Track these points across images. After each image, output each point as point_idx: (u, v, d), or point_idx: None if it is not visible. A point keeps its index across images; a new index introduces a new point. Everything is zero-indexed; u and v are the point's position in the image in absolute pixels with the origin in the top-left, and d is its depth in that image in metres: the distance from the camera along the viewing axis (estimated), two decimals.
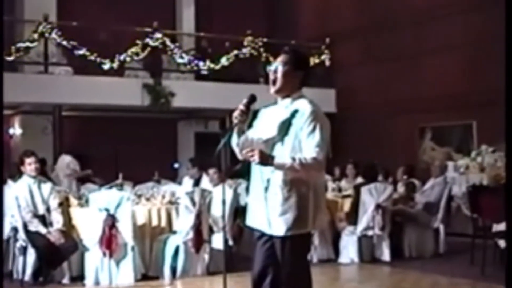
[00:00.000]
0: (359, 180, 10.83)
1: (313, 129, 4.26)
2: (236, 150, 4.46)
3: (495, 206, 8.26)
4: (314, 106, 4.36)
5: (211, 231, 8.72)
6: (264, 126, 4.49)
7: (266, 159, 4.21)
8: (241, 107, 4.37)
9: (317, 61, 16.90)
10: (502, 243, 8.65)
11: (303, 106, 4.35)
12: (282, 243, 4.33)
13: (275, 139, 4.37)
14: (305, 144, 4.27)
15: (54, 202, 8.13)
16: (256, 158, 4.19)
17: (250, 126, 4.52)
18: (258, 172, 4.45)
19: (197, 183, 10.10)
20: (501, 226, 8.49)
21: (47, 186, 8.23)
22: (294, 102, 4.42)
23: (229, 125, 4.43)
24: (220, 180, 9.25)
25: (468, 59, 13.98)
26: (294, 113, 4.35)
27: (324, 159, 4.27)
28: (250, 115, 4.41)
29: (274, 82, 4.44)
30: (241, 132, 4.42)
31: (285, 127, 4.36)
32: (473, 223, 9.12)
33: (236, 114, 4.36)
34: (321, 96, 16.31)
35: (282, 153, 4.31)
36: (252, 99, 4.39)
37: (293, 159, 4.21)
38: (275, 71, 4.43)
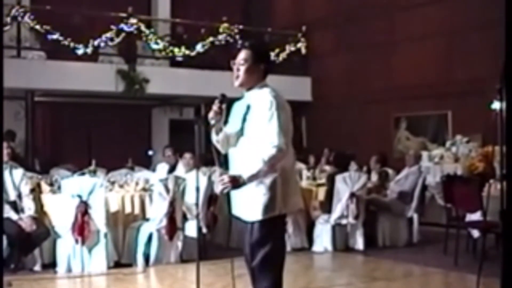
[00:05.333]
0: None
1: (271, 117, 4.39)
2: (218, 146, 4.65)
3: (468, 196, 8.30)
4: (273, 95, 4.48)
5: (185, 218, 8.68)
6: (234, 120, 4.65)
7: (238, 181, 4.34)
8: (214, 108, 4.54)
9: (293, 49, 16.88)
10: (475, 233, 8.70)
11: (262, 96, 4.50)
12: (251, 228, 4.46)
13: (239, 132, 4.55)
14: (265, 132, 4.39)
15: (25, 188, 8.02)
16: (228, 187, 4.34)
17: (227, 121, 4.67)
18: (232, 160, 4.64)
19: (172, 169, 10.05)
20: (474, 216, 8.53)
21: (18, 172, 8.11)
22: (256, 93, 4.57)
23: (205, 123, 4.61)
24: (194, 166, 9.26)
25: (443, 48, 14.03)
26: (249, 106, 4.52)
27: (285, 144, 4.38)
28: (224, 112, 4.56)
29: (238, 77, 4.61)
30: (219, 130, 4.59)
31: (244, 120, 4.54)
32: (446, 213, 9.15)
33: (210, 115, 4.55)
34: (297, 84, 16.40)
35: (247, 145, 4.49)
36: (223, 98, 4.56)
37: (256, 165, 4.32)
38: (238, 69, 4.59)
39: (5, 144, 8.05)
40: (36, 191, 8.42)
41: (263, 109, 4.41)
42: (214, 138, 4.60)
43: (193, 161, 9.39)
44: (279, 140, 4.34)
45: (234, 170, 4.53)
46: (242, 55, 4.59)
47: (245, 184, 4.33)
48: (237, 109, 4.66)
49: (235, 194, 4.55)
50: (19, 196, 7.96)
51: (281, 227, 4.67)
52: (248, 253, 4.50)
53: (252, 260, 4.47)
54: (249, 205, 4.45)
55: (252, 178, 4.33)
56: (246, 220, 4.51)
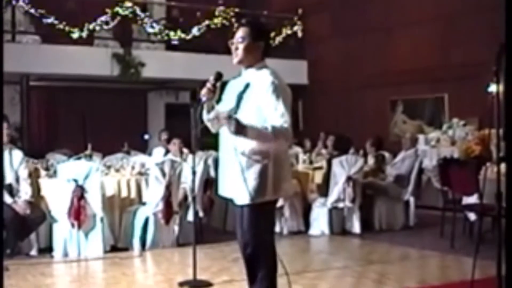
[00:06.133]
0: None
1: (275, 100, 4.31)
2: (208, 124, 4.56)
3: (465, 179, 8.30)
4: (274, 77, 4.41)
5: (185, 201, 8.69)
6: (228, 98, 4.59)
7: (241, 128, 4.19)
8: (208, 85, 4.43)
9: (289, 32, 16.83)
10: (471, 216, 8.71)
11: (262, 77, 4.42)
12: (241, 211, 4.44)
13: (233, 110, 4.44)
14: (269, 115, 4.30)
15: (24, 172, 7.93)
16: (232, 128, 4.17)
17: (220, 99, 4.59)
18: (223, 141, 4.54)
19: (168, 153, 10.05)
20: (470, 199, 8.54)
21: (18, 155, 7.96)
22: (256, 73, 4.49)
23: (198, 102, 4.49)
24: (180, 151, 9.34)
25: (440, 32, 13.98)
26: (248, 84, 4.45)
27: (290, 128, 4.32)
28: (218, 91, 4.48)
29: (237, 55, 4.52)
30: (210, 108, 4.48)
31: (241, 98, 4.46)
32: (443, 196, 9.18)
33: (203, 92, 4.43)
34: (293, 67, 16.33)
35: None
36: (219, 76, 4.46)
37: (265, 127, 4.23)
38: (236, 47, 4.50)
39: (5, 125, 7.93)
40: (33, 175, 8.38)
41: (265, 90, 4.33)
42: (205, 116, 4.49)
43: (182, 146, 9.44)
44: (287, 122, 4.27)
45: (226, 149, 4.47)
46: (240, 33, 4.50)
47: (244, 128, 4.17)
48: (233, 86, 4.59)
49: (226, 176, 4.51)
50: (17, 179, 7.88)
51: (271, 213, 4.63)
52: (241, 241, 4.48)
53: (245, 248, 4.46)
54: (239, 188, 4.39)
55: (252, 131, 4.20)
56: (236, 203, 4.47)
